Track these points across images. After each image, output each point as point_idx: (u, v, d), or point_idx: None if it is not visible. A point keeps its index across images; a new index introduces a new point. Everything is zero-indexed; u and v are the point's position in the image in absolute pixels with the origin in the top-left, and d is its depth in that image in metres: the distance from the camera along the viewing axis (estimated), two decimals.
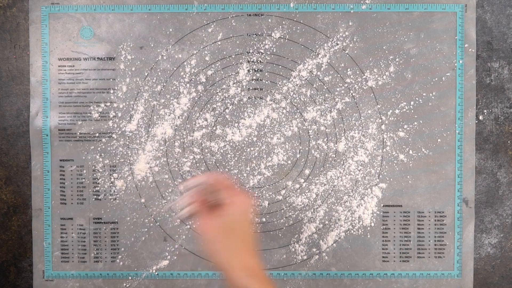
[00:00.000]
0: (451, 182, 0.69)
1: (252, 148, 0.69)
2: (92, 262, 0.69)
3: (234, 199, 0.51)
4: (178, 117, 0.70)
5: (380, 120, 0.69)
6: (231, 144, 0.70)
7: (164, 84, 0.69)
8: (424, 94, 0.69)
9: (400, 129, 0.69)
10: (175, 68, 0.69)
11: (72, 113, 0.69)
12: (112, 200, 0.69)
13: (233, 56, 0.69)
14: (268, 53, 0.69)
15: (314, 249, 0.69)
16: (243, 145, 0.70)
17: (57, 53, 0.69)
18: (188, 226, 0.70)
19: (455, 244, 0.69)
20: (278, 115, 0.69)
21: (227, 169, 0.70)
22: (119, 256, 0.69)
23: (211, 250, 0.51)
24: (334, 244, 0.69)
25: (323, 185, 0.70)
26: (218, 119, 0.69)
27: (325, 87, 0.69)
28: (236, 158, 0.69)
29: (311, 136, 0.69)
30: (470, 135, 0.69)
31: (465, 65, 0.69)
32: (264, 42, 0.69)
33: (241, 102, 0.69)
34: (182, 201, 0.52)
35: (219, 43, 0.69)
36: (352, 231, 0.69)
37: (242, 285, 0.48)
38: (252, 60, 0.69)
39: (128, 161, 0.69)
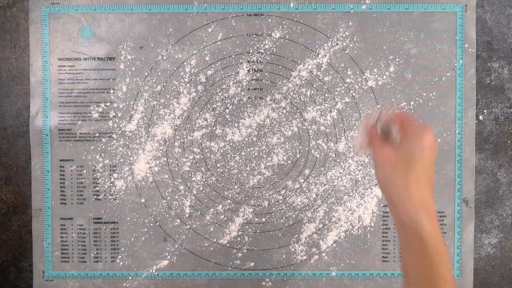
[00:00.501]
0: (451, 182, 0.69)
1: (252, 148, 0.69)
2: (92, 262, 0.69)
3: (412, 131, 0.47)
4: (178, 117, 0.70)
5: None
6: (231, 144, 0.70)
7: (164, 84, 0.69)
8: (424, 94, 0.69)
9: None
10: (175, 68, 0.69)
11: (72, 113, 0.69)
12: (112, 200, 0.69)
13: (233, 56, 0.69)
14: (268, 53, 0.69)
15: (314, 249, 0.69)
16: (243, 145, 0.70)
17: (57, 53, 0.69)
18: (188, 226, 0.70)
19: (455, 244, 0.69)
20: (278, 115, 0.69)
21: (227, 169, 0.70)
22: (119, 256, 0.69)
23: (383, 180, 0.48)
24: (334, 244, 0.69)
25: (323, 185, 0.70)
26: (218, 119, 0.69)
27: (325, 87, 0.69)
28: (236, 158, 0.69)
29: (311, 136, 0.69)
30: (470, 135, 0.69)
31: (465, 65, 0.69)
32: (264, 42, 0.69)
33: (241, 102, 0.69)
34: (360, 137, 0.52)
35: (219, 43, 0.69)
36: (352, 231, 0.69)
37: (412, 220, 0.44)
38: (252, 60, 0.69)
39: (128, 161, 0.69)
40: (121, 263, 0.69)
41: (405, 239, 0.46)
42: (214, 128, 0.70)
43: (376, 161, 0.49)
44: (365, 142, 0.51)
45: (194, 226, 0.70)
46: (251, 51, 0.69)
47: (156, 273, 0.69)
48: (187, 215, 0.70)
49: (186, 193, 0.70)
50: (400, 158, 0.47)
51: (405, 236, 0.46)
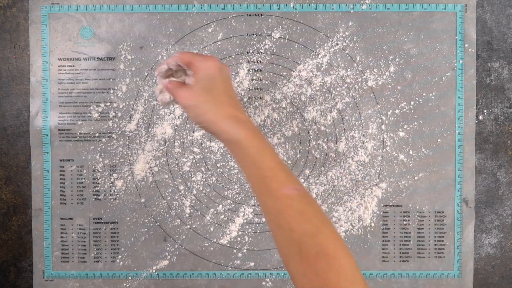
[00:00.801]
0: (451, 182, 0.69)
1: None
2: (92, 262, 0.69)
3: (197, 66, 0.50)
4: (178, 117, 0.70)
5: (380, 120, 0.69)
6: None
7: None
8: (424, 94, 0.69)
9: (400, 129, 0.69)
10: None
11: (72, 113, 0.69)
12: (112, 200, 0.69)
13: (233, 56, 0.69)
14: (268, 53, 0.69)
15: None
16: None
17: (57, 53, 0.69)
18: (188, 226, 0.70)
19: (455, 244, 0.69)
20: (278, 115, 0.69)
21: (227, 169, 0.70)
22: (119, 256, 0.69)
23: (195, 116, 0.50)
24: None
25: (323, 185, 0.70)
26: None
27: (325, 87, 0.69)
28: None
29: (311, 136, 0.69)
30: (470, 135, 0.69)
31: (465, 65, 0.69)
32: (264, 42, 0.69)
33: (241, 102, 0.69)
34: (157, 88, 0.56)
35: (219, 43, 0.69)
36: (352, 231, 0.69)
37: (230, 134, 0.48)
38: (252, 60, 0.69)
39: (128, 161, 0.69)
40: (121, 263, 0.69)
41: (233, 153, 0.50)
42: None
43: (184, 107, 0.51)
44: (167, 96, 0.55)
45: (194, 226, 0.70)
46: (251, 51, 0.69)
47: (156, 273, 0.69)
48: (187, 215, 0.70)
49: (186, 193, 0.70)
50: (198, 92, 0.50)
51: (233, 153, 0.50)
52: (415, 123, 0.69)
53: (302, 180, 0.70)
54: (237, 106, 0.51)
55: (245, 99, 0.69)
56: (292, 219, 0.44)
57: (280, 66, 0.69)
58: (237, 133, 0.48)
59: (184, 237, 0.70)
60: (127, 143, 0.69)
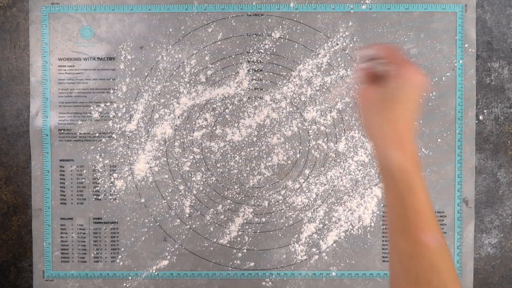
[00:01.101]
0: (451, 182, 0.69)
1: (252, 148, 0.69)
2: (92, 262, 0.69)
3: (401, 71, 0.45)
4: (178, 117, 0.70)
5: None
6: (231, 144, 0.70)
7: (164, 84, 0.69)
8: (424, 94, 0.69)
9: None
10: (175, 68, 0.69)
11: (72, 113, 0.69)
12: (112, 200, 0.69)
13: (233, 56, 0.69)
14: (268, 53, 0.69)
15: (314, 249, 0.69)
16: (243, 145, 0.70)
17: (57, 53, 0.69)
18: (188, 226, 0.70)
19: (455, 244, 0.69)
20: (278, 115, 0.69)
21: (227, 169, 0.70)
22: (119, 256, 0.69)
23: (367, 120, 0.46)
24: (334, 244, 0.69)
25: (323, 185, 0.70)
26: (218, 119, 0.69)
27: (325, 87, 0.69)
28: (236, 158, 0.69)
29: (311, 136, 0.69)
30: (470, 135, 0.69)
31: (465, 65, 0.69)
32: (264, 42, 0.69)
33: (241, 102, 0.69)
34: (354, 73, 0.51)
35: (219, 43, 0.69)
36: (352, 231, 0.69)
37: (386, 159, 0.44)
38: (252, 60, 0.69)
39: (128, 161, 0.69)
40: (121, 263, 0.69)
41: (382, 179, 0.46)
42: (214, 128, 0.70)
43: (364, 101, 0.47)
44: (359, 79, 0.50)
45: (194, 226, 0.70)
46: (251, 51, 0.69)
47: (156, 273, 0.69)
48: (187, 215, 0.70)
49: (186, 193, 0.70)
50: (381, 97, 0.45)
51: (382, 176, 0.45)
52: (415, 123, 0.69)
53: (302, 180, 0.70)
54: (409, 131, 0.45)
55: (245, 99, 0.69)
56: (421, 269, 0.41)
57: (280, 66, 0.69)
58: (393, 162, 0.43)
59: (184, 237, 0.70)
60: (127, 143, 0.69)
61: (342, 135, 0.69)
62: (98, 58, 0.69)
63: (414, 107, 0.45)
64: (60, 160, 0.69)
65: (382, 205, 0.69)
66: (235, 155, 0.70)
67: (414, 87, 0.45)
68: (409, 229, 0.42)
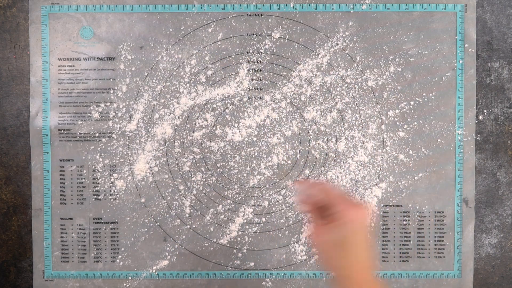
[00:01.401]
0: (451, 182, 0.69)
1: (252, 148, 0.69)
2: (92, 262, 0.69)
3: (350, 215, 0.46)
4: (178, 117, 0.70)
5: (380, 120, 0.69)
6: (231, 144, 0.70)
7: (164, 84, 0.69)
8: (424, 94, 0.69)
9: (400, 129, 0.69)
10: (175, 68, 0.69)
11: (72, 113, 0.69)
12: (112, 200, 0.69)
13: (233, 56, 0.69)
14: (268, 53, 0.69)
15: (314, 249, 0.69)
16: (243, 145, 0.70)
17: (57, 53, 0.69)
18: (188, 226, 0.70)
19: (455, 244, 0.69)
20: (278, 115, 0.69)
21: (227, 169, 0.70)
22: (119, 256, 0.69)
23: (324, 259, 0.48)
24: None
25: None
26: (218, 119, 0.69)
27: (325, 87, 0.69)
28: (236, 158, 0.69)
29: (311, 136, 0.69)
30: (470, 135, 0.69)
31: (465, 65, 0.69)
32: (264, 42, 0.69)
33: (241, 102, 0.69)
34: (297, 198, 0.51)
35: (219, 43, 0.69)
36: None
37: None
38: (252, 60, 0.69)
39: (128, 161, 0.69)
40: (121, 263, 0.69)
41: None
42: (214, 128, 0.70)
43: (319, 245, 0.48)
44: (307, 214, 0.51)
45: (194, 226, 0.70)
46: (251, 51, 0.69)
47: (156, 273, 0.69)
48: (187, 215, 0.70)
49: (186, 193, 0.70)
50: (330, 243, 0.47)
51: None
52: (415, 123, 0.69)
53: (302, 181, 0.70)
54: (365, 269, 0.47)
55: (245, 99, 0.69)
56: None
57: (280, 66, 0.69)
58: None
59: (184, 237, 0.69)
60: (127, 143, 0.69)
61: (342, 135, 0.69)
62: (98, 58, 0.69)
63: (364, 242, 0.47)
64: (60, 160, 0.69)
65: (382, 205, 0.69)
66: (235, 155, 0.70)
67: (362, 225, 0.47)
68: None
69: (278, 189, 0.70)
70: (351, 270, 0.46)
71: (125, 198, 0.69)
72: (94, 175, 0.69)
